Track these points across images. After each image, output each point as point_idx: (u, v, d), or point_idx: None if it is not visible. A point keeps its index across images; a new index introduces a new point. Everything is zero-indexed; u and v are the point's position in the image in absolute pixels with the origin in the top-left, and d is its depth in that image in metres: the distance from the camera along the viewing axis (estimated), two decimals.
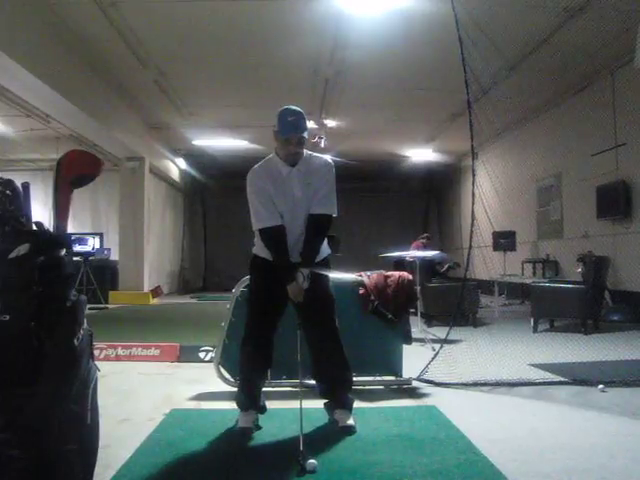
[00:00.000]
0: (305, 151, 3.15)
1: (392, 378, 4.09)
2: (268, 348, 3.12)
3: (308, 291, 3.02)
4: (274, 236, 3.03)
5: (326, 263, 3.21)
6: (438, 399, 3.72)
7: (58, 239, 2.12)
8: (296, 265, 2.99)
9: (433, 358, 4.43)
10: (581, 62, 7.48)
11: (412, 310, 5.03)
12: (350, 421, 3.06)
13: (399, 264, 7.74)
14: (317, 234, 3.09)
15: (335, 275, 3.32)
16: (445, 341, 4.76)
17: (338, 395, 3.17)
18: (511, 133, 11.18)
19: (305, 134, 3.07)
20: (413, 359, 4.35)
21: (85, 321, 2.11)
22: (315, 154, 3.20)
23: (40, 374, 1.87)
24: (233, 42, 7.91)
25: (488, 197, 5.09)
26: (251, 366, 3.15)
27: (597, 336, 6.16)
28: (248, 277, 3.73)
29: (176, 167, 15.59)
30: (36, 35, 7.06)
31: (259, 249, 3.16)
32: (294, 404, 3.56)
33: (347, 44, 7.83)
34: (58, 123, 10.22)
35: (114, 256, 12.96)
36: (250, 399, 3.13)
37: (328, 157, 3.25)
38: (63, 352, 1.95)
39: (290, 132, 3.02)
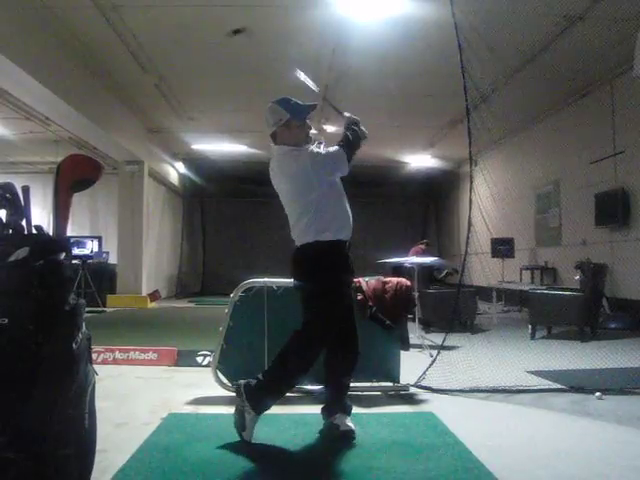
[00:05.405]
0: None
1: (389, 384, 4.09)
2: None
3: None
4: None
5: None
6: (435, 405, 3.72)
7: (58, 243, 2.12)
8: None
9: (431, 364, 4.43)
10: (580, 70, 7.52)
11: (410, 316, 5.03)
12: (352, 425, 3.03)
13: (397, 270, 7.74)
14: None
15: None
16: (443, 347, 4.76)
17: (340, 399, 3.15)
18: (510, 140, 11.23)
19: None
20: (411, 365, 4.35)
21: (83, 325, 2.11)
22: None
23: (38, 378, 1.87)
24: (233, 47, 7.93)
25: (486, 204, 5.10)
26: (309, 367, 2.98)
27: (594, 343, 6.17)
28: (251, 281, 3.72)
29: (175, 171, 15.60)
30: (37, 38, 7.08)
31: (334, 230, 3.21)
32: (291, 409, 3.57)
33: (347, 50, 7.85)
34: (58, 126, 10.24)
35: (112, 259, 12.97)
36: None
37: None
38: (61, 356, 1.95)
39: (309, 112, 3.11)
